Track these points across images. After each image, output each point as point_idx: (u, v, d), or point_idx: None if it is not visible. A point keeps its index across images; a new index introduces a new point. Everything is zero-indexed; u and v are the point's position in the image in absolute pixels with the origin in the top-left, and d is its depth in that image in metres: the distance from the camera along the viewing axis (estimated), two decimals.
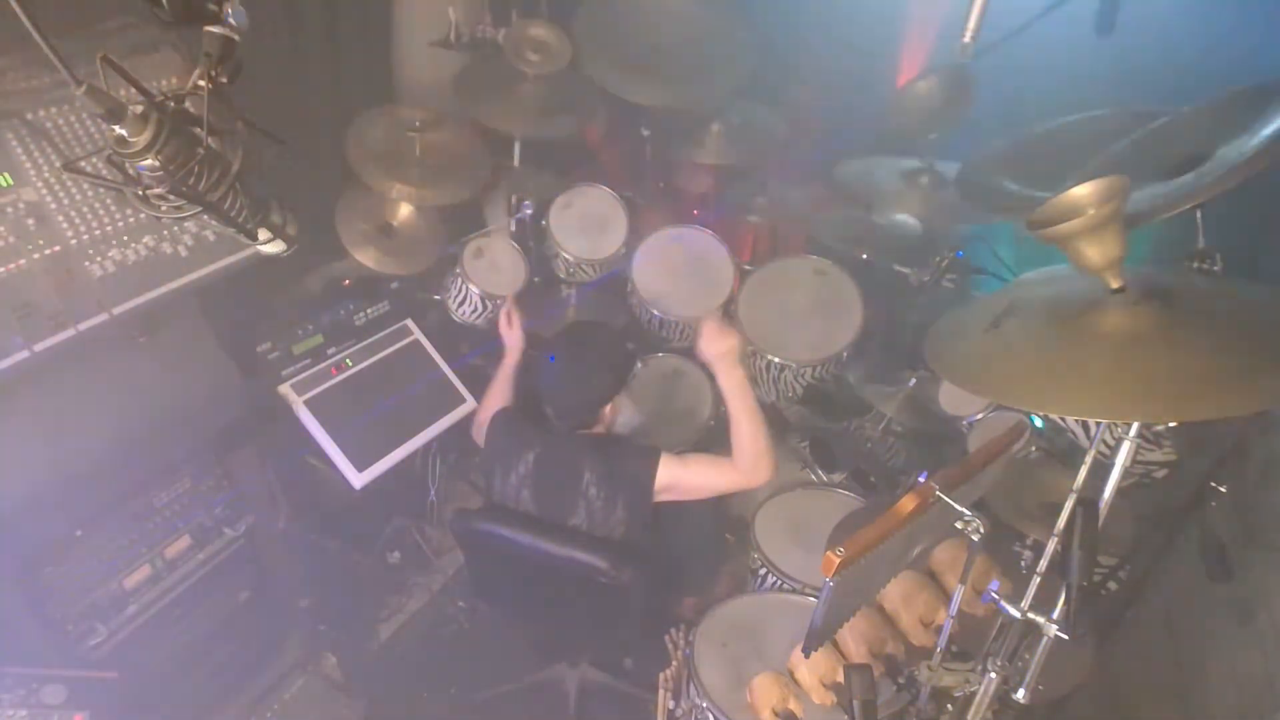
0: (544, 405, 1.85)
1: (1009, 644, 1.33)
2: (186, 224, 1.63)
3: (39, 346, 1.41)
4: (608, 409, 1.88)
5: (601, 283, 2.66)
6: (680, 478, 1.81)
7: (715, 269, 2.56)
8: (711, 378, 2.51)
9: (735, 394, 1.84)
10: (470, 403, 2.34)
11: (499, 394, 2.16)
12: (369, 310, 2.29)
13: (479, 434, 2.10)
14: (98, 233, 1.52)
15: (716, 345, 1.87)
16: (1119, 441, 1.13)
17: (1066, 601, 1.20)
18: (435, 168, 2.33)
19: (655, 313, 2.50)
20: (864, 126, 2.62)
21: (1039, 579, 1.26)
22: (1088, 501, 1.17)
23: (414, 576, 2.63)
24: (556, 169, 2.65)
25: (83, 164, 1.41)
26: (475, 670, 2.42)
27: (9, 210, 1.44)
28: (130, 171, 0.98)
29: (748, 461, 1.82)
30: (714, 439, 2.46)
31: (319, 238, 2.27)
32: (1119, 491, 1.16)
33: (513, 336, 2.21)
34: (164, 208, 1.02)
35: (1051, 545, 1.23)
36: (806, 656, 1.32)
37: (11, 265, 1.42)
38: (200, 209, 1.04)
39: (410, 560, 2.62)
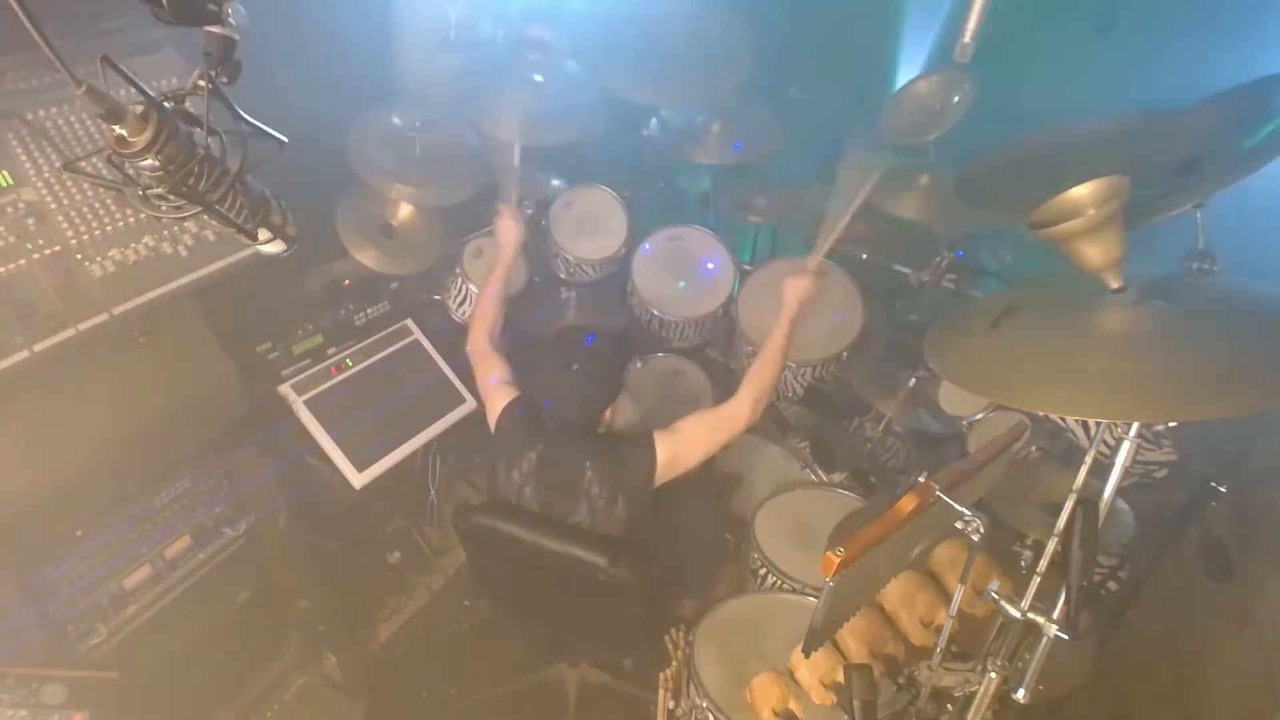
0: (544, 414, 1.84)
1: (1009, 644, 1.33)
2: (186, 224, 1.63)
3: (39, 346, 1.42)
4: (608, 413, 1.88)
5: (601, 283, 2.66)
6: (678, 449, 1.81)
7: (715, 269, 2.56)
8: (711, 377, 2.53)
9: (782, 335, 1.93)
10: (470, 403, 2.34)
11: (489, 308, 2.08)
12: (369, 310, 2.29)
13: (477, 358, 2.04)
14: (98, 233, 1.53)
15: (801, 292, 1.95)
16: (1119, 441, 1.13)
17: (1066, 601, 1.20)
18: (435, 168, 2.33)
19: (655, 313, 2.50)
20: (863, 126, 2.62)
21: (1039, 579, 1.26)
22: (1088, 501, 1.17)
23: (414, 576, 2.63)
24: (556, 169, 2.64)
25: (83, 164, 1.41)
26: (475, 670, 2.42)
27: (9, 210, 1.44)
28: (130, 171, 0.98)
29: (754, 394, 1.86)
30: None
31: (319, 238, 2.27)
32: (1119, 491, 1.16)
33: (511, 230, 2.13)
34: (164, 208, 1.02)
35: (1051, 545, 1.23)
36: (806, 656, 1.32)
37: (11, 265, 1.42)
38: (200, 209, 1.03)
39: (410, 560, 2.62)
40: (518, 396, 1.92)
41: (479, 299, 2.14)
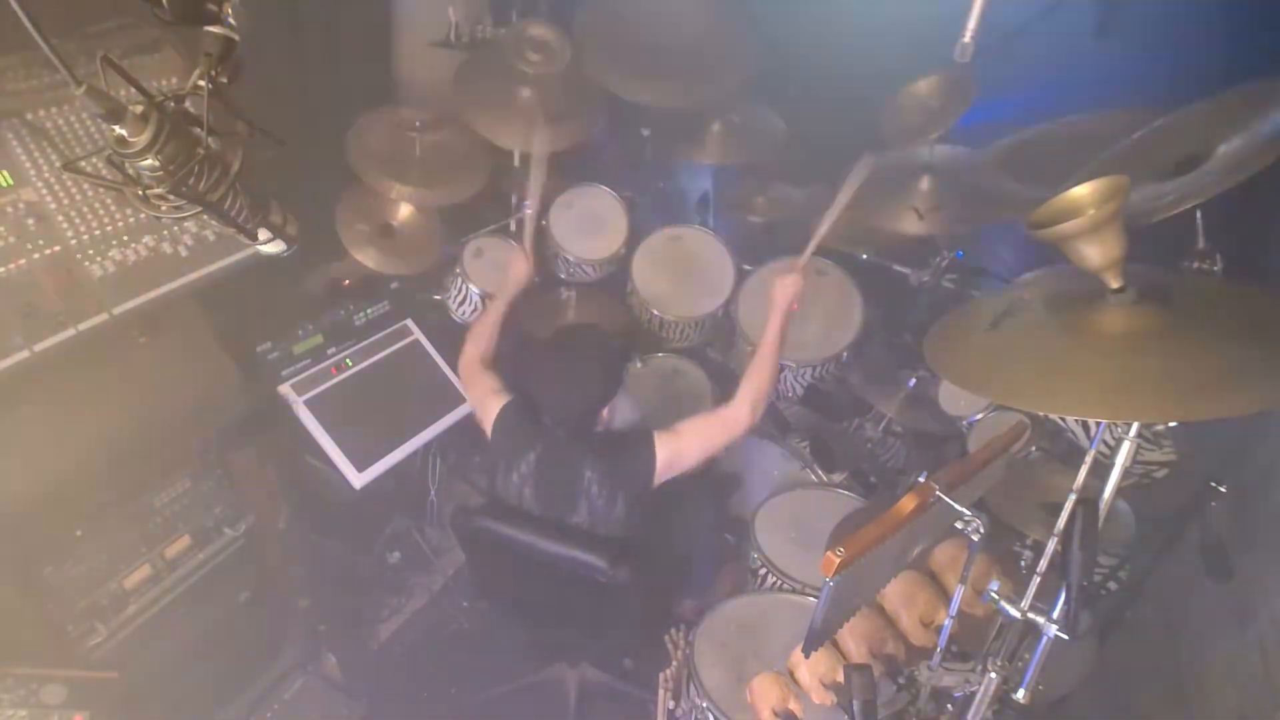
0: (540, 413, 1.85)
1: (1009, 644, 1.33)
2: (186, 224, 1.63)
3: (39, 346, 1.42)
4: (605, 411, 1.88)
5: (601, 282, 2.66)
6: (678, 450, 1.82)
7: (715, 269, 2.56)
8: (711, 377, 2.53)
9: (774, 335, 1.94)
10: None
11: (486, 332, 2.10)
12: (369, 310, 2.29)
13: (466, 376, 2.07)
14: (98, 233, 1.53)
15: (790, 291, 1.95)
16: (1119, 441, 1.13)
17: (1066, 601, 1.20)
18: (435, 168, 2.33)
19: (655, 312, 2.50)
20: (864, 126, 2.62)
21: (1039, 579, 1.26)
22: (1088, 501, 1.17)
23: (414, 576, 2.63)
24: (557, 169, 2.64)
25: (83, 164, 1.41)
26: (475, 670, 2.42)
27: (9, 210, 1.44)
28: (130, 171, 0.98)
29: (752, 396, 1.87)
30: None
31: (319, 238, 2.27)
32: (1119, 491, 1.16)
33: (523, 270, 2.15)
34: (164, 208, 1.02)
35: (1051, 545, 1.23)
36: (806, 656, 1.32)
37: (11, 265, 1.42)
38: (200, 209, 1.04)
39: (410, 560, 2.62)
40: (511, 400, 1.92)
41: (478, 322, 2.16)
